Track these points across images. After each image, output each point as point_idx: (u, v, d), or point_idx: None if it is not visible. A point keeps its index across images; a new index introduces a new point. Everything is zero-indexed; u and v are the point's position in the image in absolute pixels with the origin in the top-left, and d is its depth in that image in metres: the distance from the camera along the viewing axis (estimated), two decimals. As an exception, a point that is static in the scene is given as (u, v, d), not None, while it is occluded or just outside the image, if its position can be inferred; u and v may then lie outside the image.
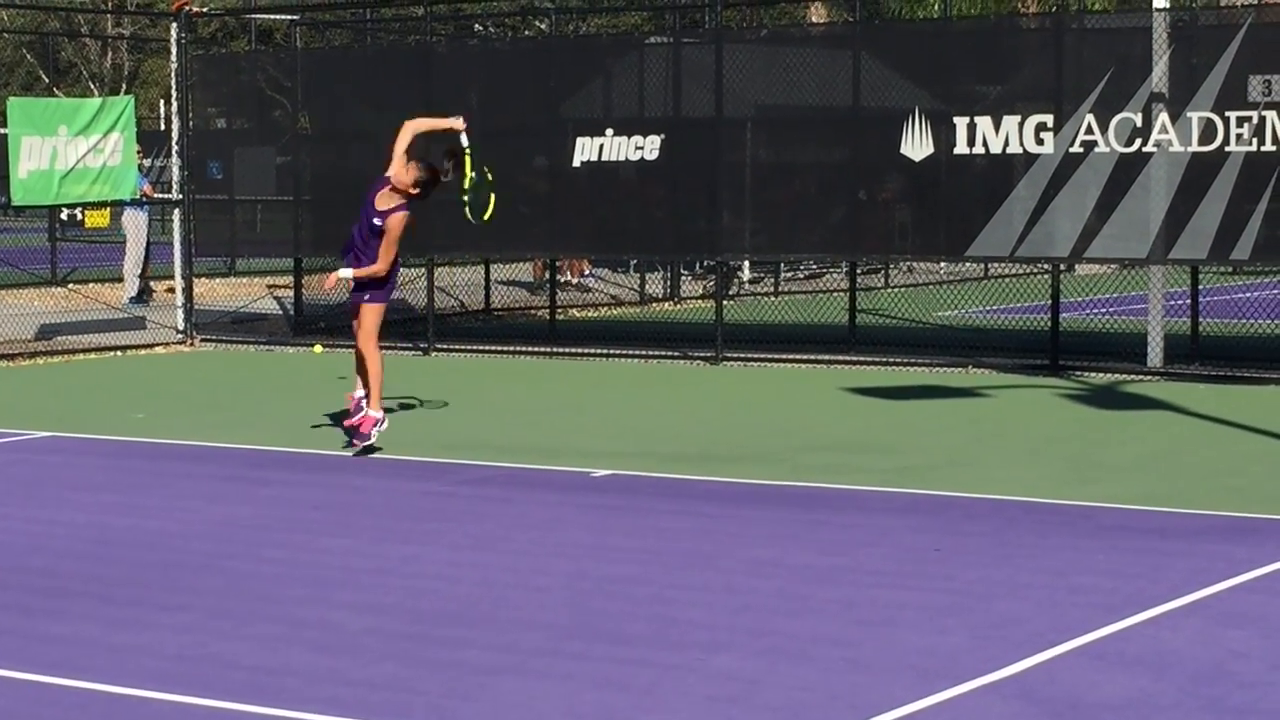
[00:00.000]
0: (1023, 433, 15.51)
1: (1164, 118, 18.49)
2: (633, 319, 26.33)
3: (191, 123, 24.27)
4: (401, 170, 14.27)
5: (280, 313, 26.44)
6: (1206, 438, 15.07)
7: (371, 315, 14.38)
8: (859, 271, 24.77)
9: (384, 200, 14.29)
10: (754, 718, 7.53)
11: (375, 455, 14.38)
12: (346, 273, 14.30)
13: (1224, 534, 11.07)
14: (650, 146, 21.16)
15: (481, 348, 22.52)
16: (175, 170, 24.34)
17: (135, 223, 28.69)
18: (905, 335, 22.35)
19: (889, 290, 29.26)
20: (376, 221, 14.19)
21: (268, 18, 39.34)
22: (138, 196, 25.37)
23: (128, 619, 9.23)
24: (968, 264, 28.69)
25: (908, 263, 30.78)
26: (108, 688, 8.00)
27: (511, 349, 22.32)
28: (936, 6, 36.70)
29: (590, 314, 27.27)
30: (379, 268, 14.24)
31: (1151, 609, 9.12)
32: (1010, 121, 19.21)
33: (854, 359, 20.39)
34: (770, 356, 20.77)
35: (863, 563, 10.42)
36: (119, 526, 11.83)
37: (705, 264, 29.74)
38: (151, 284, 29.15)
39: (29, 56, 70.33)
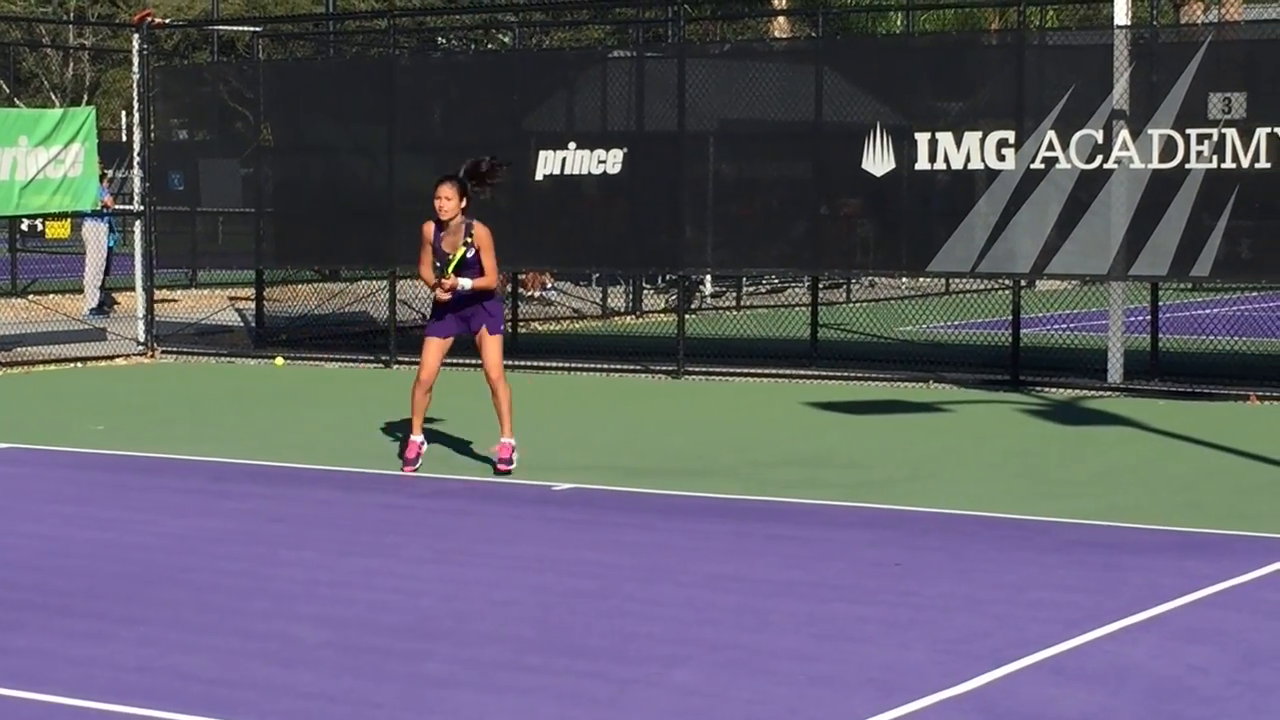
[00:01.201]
0: (983, 448, 15.55)
1: (1125, 135, 18.57)
2: (595, 332, 26.34)
3: (153, 134, 24.21)
4: (444, 209, 13.70)
5: (242, 325, 26.38)
6: (1166, 453, 15.13)
7: (498, 348, 14.00)
8: (821, 286, 24.82)
9: (449, 241, 13.73)
10: (714, 732, 7.54)
11: (336, 468, 14.37)
12: (466, 283, 13.70)
13: (1182, 549, 11.12)
14: (613, 160, 21.18)
15: (443, 360, 22.44)
16: (137, 181, 24.29)
17: (95, 234, 28.60)
18: (867, 350, 22.39)
19: (851, 305, 29.35)
20: (469, 254, 13.68)
21: (230, 29, 39.32)
22: (98, 207, 25.28)
23: (87, 631, 9.19)
24: (929, 279, 28.77)
25: (869, 278, 30.84)
26: (67, 700, 7.96)
27: (473, 362, 22.17)
28: (899, 22, 36.84)
29: (552, 327, 27.27)
30: (490, 279, 13.79)
31: (1110, 624, 9.15)
32: (972, 138, 19.28)
33: (815, 373, 20.43)
34: (732, 371, 20.80)
35: (823, 577, 10.43)
36: (78, 539, 11.78)
37: (667, 278, 29.78)
38: (114, 295, 29.05)
39: (-10, 67, 70.07)
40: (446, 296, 13.72)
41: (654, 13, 31.33)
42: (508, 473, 13.86)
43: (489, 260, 13.73)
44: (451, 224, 13.69)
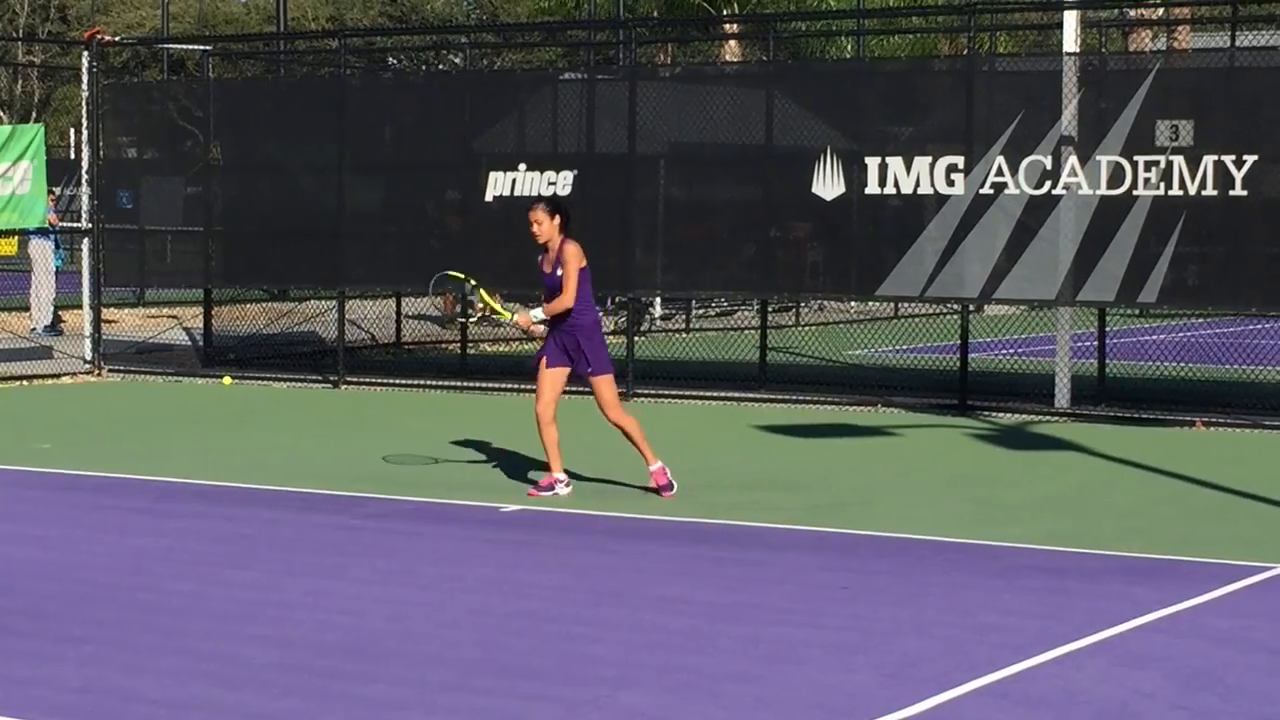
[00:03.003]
0: (931, 472, 15.59)
1: (1073, 160, 18.66)
2: (544, 354, 26.25)
3: (102, 152, 24.13)
4: (547, 235, 13.69)
5: (189, 344, 26.28)
6: (1112, 479, 15.18)
7: (606, 387, 13.75)
8: (770, 309, 24.86)
9: (548, 261, 13.74)
10: (661, 755, 7.53)
11: (283, 488, 14.33)
12: (537, 313, 13.68)
13: (1128, 574, 11.15)
14: (563, 182, 21.18)
15: (392, 381, 22.46)
16: (85, 199, 24.19)
17: (42, 252, 28.44)
18: (816, 374, 22.43)
19: (800, 328, 29.40)
20: (559, 274, 13.61)
21: (180, 47, 39.21)
22: (45, 225, 25.17)
23: (29, 651, 9.13)
24: (878, 303, 28.83)
25: (819, 301, 30.90)
26: (9, 721, 7.92)
27: (422, 382, 22.27)
28: (850, 47, 36.96)
29: (501, 348, 27.23)
30: (567, 299, 13.61)
31: (1056, 648, 9.17)
32: (921, 162, 19.35)
33: (764, 396, 20.46)
34: (681, 393, 20.81)
35: (771, 600, 10.43)
36: (21, 557, 11.71)
37: (617, 300, 29.78)
38: (59, 314, 28.89)
39: (-62, 83, 69.78)
40: (539, 330, 13.81)
41: (605, 35, 31.38)
42: (670, 497, 13.81)
43: (569, 277, 13.58)
44: (550, 246, 13.68)
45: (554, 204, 13.81)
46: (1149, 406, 18.97)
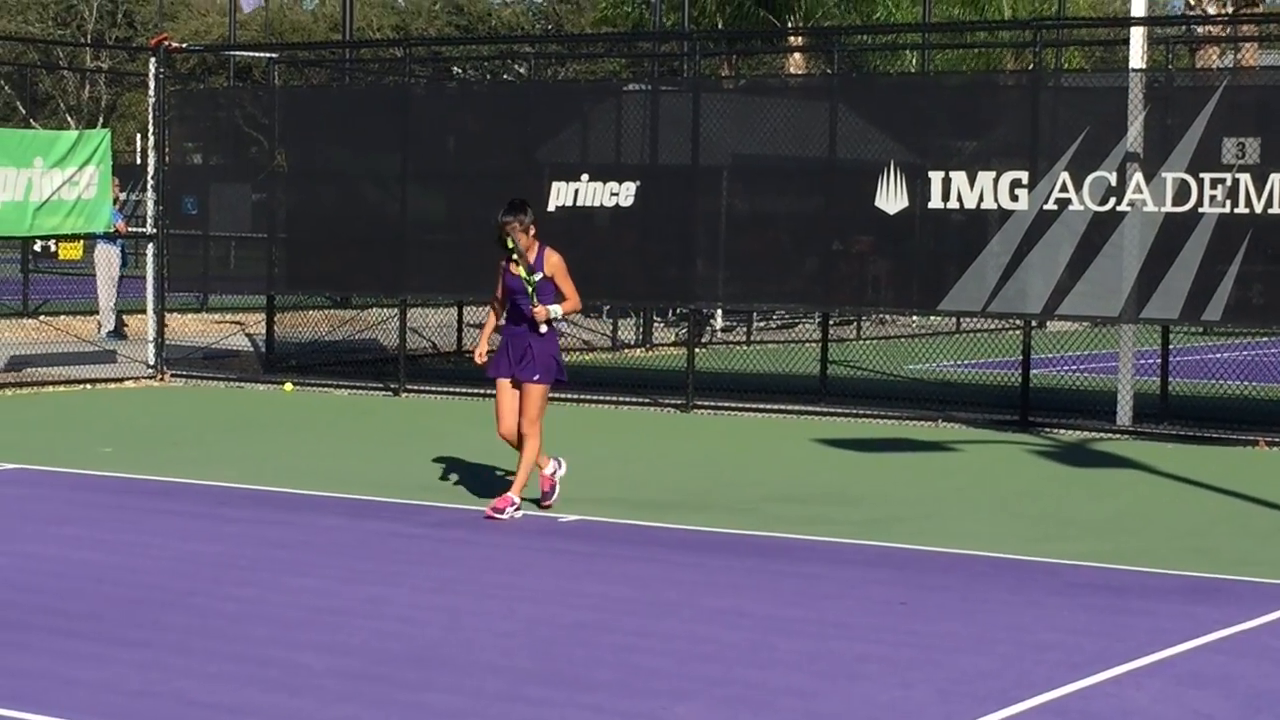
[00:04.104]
0: (991, 488, 15.53)
1: (1138, 177, 18.56)
2: (604, 365, 26.33)
3: (168, 157, 24.26)
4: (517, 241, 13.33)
5: (251, 350, 26.39)
6: (1174, 497, 15.10)
7: (539, 399, 13.35)
8: (831, 322, 24.81)
9: (520, 267, 13.33)
10: (716, 768, 7.51)
11: (343, 495, 14.38)
12: (556, 310, 13.33)
13: (1189, 594, 11.09)
14: (625, 193, 21.19)
15: (453, 389, 22.49)
16: (150, 205, 24.32)
17: (106, 257, 28.56)
18: (876, 387, 22.37)
19: (861, 342, 29.32)
20: (537, 277, 13.29)
21: (247, 54, 39.41)
22: (111, 230, 25.32)
23: (89, 654, 9.18)
24: (940, 318, 28.75)
25: (880, 315, 30.83)
26: (67, 723, 7.96)
27: (482, 391, 22.26)
28: (914, 61, 36.90)
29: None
30: (574, 303, 13.45)
31: (1115, 667, 9.12)
32: (985, 177, 19.27)
33: (824, 410, 20.41)
34: (741, 406, 20.78)
35: (828, 615, 10.41)
36: (83, 561, 11.77)
37: (678, 311, 29.77)
38: (124, 318, 29.05)
39: (6, 88, 70.32)
40: (542, 320, 13.30)
41: (670, 47, 31.41)
42: (492, 518, 13.28)
43: (568, 285, 13.44)
44: (527, 253, 13.37)
45: (527, 212, 13.45)
46: (1211, 425, 18.85)
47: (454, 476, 15.42)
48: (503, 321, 13.73)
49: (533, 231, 13.42)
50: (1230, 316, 18.70)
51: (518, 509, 13.39)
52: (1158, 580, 11.53)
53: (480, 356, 13.73)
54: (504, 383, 13.51)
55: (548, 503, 13.75)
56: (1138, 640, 9.74)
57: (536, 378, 13.35)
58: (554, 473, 13.81)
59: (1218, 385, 21.39)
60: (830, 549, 12.53)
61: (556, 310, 13.44)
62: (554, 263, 13.44)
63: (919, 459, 17.20)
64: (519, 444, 13.50)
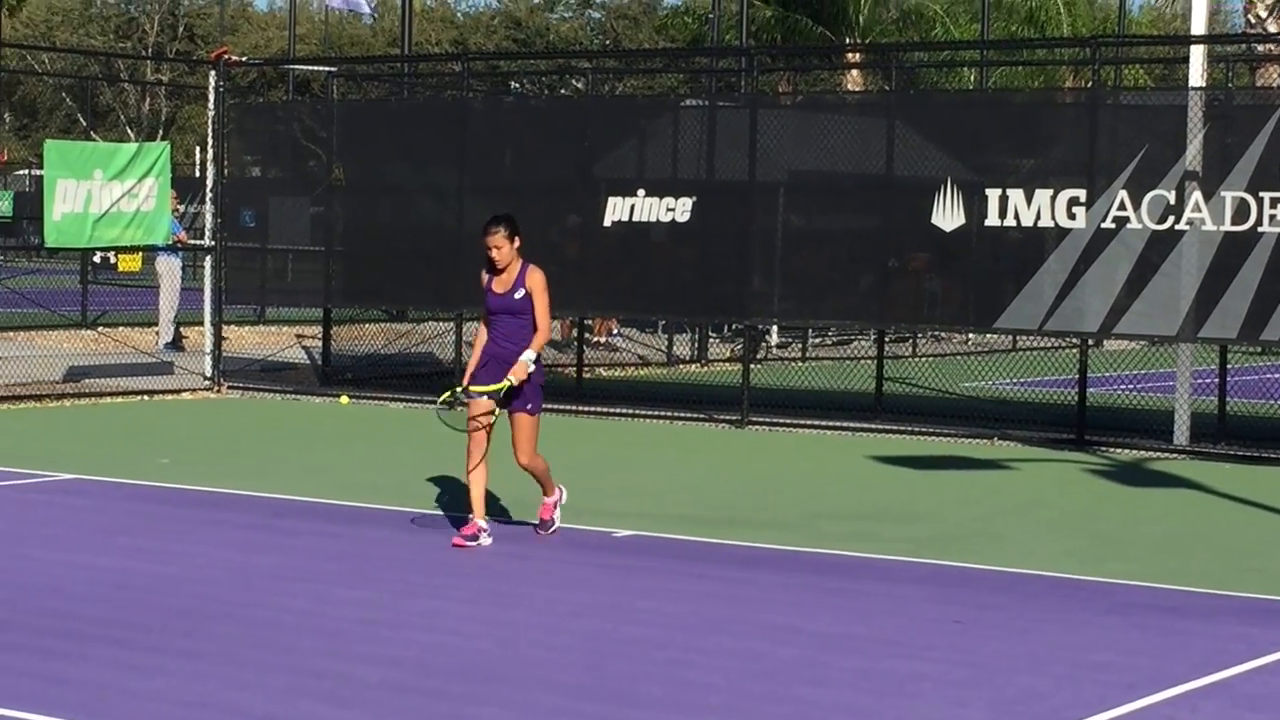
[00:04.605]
0: (1046, 507, 15.47)
1: (1197, 196, 18.46)
2: (659, 380, 26.34)
3: (226, 170, 24.38)
4: (504, 259, 12.92)
5: (308, 362, 26.49)
6: (1231, 518, 15.02)
7: (532, 430, 13.00)
8: (887, 339, 24.76)
9: (500, 283, 12.99)
10: (768, 785, 7.50)
11: (397, 508, 14.41)
12: (529, 355, 12.82)
13: (1246, 615, 11.02)
14: (682, 208, 21.19)
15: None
16: (209, 217, 24.44)
17: (169, 269, 28.61)
18: (931, 405, 22.32)
19: (916, 359, 29.26)
20: (517, 297, 12.91)
21: (306, 69, 39.59)
22: (170, 242, 25.44)
23: (145, 664, 9.22)
24: (996, 335, 28.66)
25: (936, 332, 30.76)
26: (122, 733, 7.99)
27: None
28: (972, 78, 36.82)
29: (617, 373, 27.28)
30: (544, 332, 12.96)
31: (1170, 688, 9.07)
32: (1043, 195, 19.19)
33: (880, 427, 20.36)
34: (795, 422, 20.76)
35: (882, 632, 10.38)
36: (139, 571, 11.83)
37: (733, 327, 29.75)
38: (182, 330, 29.18)
39: (68, 100, 70.83)
40: (521, 380, 12.84)
41: (727, 62, 31.42)
42: (549, 532, 13.27)
43: (541, 306, 12.94)
44: (508, 269, 12.99)
45: (514, 225, 13.03)
46: (1270, 445, 18.74)
47: (509, 490, 15.43)
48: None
49: (517, 243, 12.99)
50: (1290, 336, 18.58)
51: (480, 534, 12.96)
52: (1214, 601, 11.46)
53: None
54: (480, 403, 13.03)
55: (544, 531, 13.34)
56: (1194, 661, 9.69)
57: (529, 407, 12.94)
58: (555, 502, 13.40)
59: (1276, 405, 21.26)
60: (884, 566, 12.50)
61: (530, 355, 12.91)
62: (535, 280, 12.93)
63: (974, 477, 17.15)
64: (531, 470, 13.12)
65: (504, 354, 12.97)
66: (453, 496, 14.99)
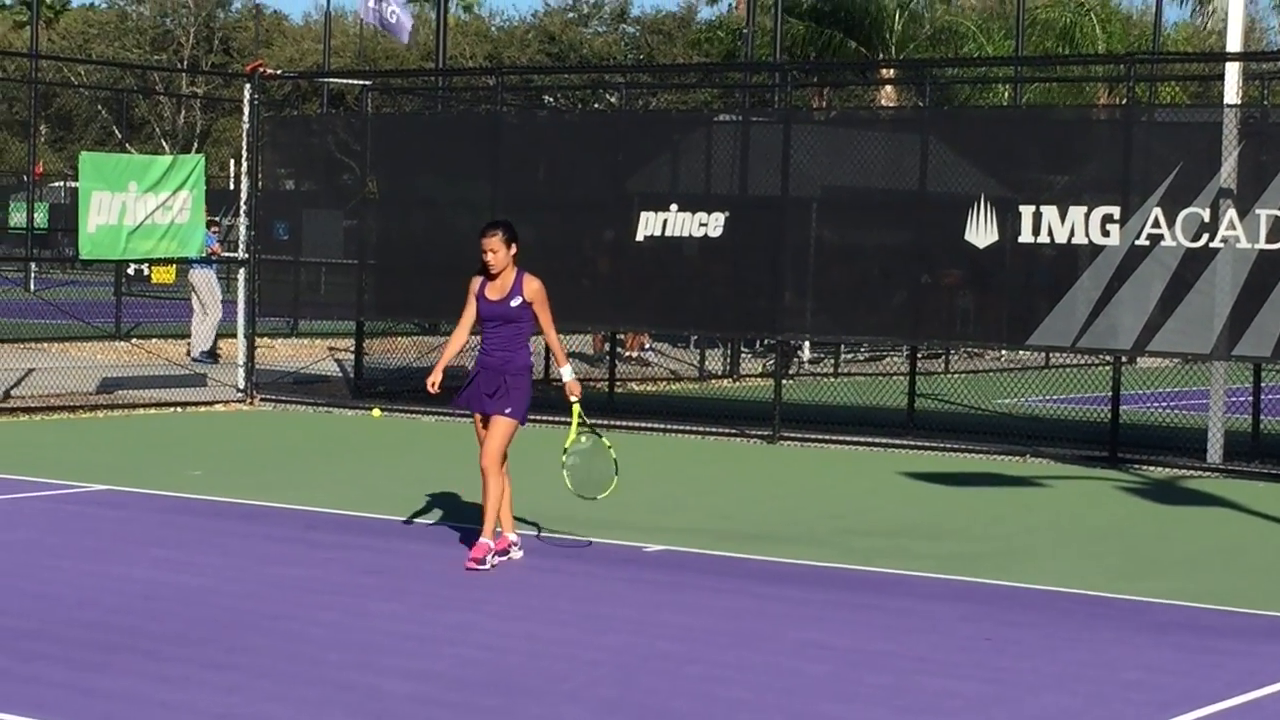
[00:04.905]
0: (1079, 524, 15.42)
1: (1232, 214, 18.40)
2: (691, 395, 26.32)
3: (261, 183, 24.45)
4: (497, 265, 12.74)
5: (340, 375, 26.53)
6: (1265, 536, 14.95)
7: (508, 433, 12.77)
8: (919, 355, 24.72)
9: (495, 289, 12.79)
10: (797, 801, 7.48)
11: (428, 522, 14.42)
12: (568, 371, 12.96)
13: (1279, 635, 10.97)
14: (714, 223, 21.18)
15: (539, 418, 22.46)
16: (243, 230, 24.50)
17: (207, 281, 28.54)
18: (964, 421, 22.28)
19: (949, 375, 29.21)
20: (513, 304, 12.72)
21: (340, 82, 39.69)
22: (205, 254, 25.50)
23: (175, 675, 9.24)
24: (1028, 352, 28.60)
25: (968, 349, 30.69)
26: (152, 744, 8.01)
27: (569, 419, 22.26)
28: (1006, 94, 36.77)
29: (649, 388, 27.28)
30: (560, 344, 13.00)
31: (1203, 708, 9.04)
32: (1076, 212, 19.14)
33: (912, 443, 20.32)
34: (828, 438, 20.73)
35: (912, 649, 10.36)
36: (171, 583, 11.86)
37: (765, 342, 29.73)
38: (217, 342, 29.21)
39: (103, 112, 71.08)
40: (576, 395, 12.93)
41: (761, 78, 31.43)
42: (472, 570, 12.46)
43: (547, 320, 12.86)
44: (503, 275, 12.79)
45: (511, 231, 12.85)
46: (1303, 464, 18.67)
47: (540, 504, 15.42)
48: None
49: (514, 250, 12.81)
50: (1324, 355, 18.51)
51: (510, 549, 12.86)
52: (1247, 620, 11.42)
53: (433, 387, 12.89)
54: (481, 417, 12.91)
55: (495, 560, 12.66)
56: (1227, 680, 9.65)
57: (509, 411, 12.70)
58: (514, 545, 12.96)
59: (1310, 424, 21.16)
60: (915, 583, 12.47)
61: (569, 373, 12.99)
62: (534, 289, 12.78)
63: (1006, 494, 17.11)
64: (486, 479, 12.76)
65: (496, 363, 12.83)
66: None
